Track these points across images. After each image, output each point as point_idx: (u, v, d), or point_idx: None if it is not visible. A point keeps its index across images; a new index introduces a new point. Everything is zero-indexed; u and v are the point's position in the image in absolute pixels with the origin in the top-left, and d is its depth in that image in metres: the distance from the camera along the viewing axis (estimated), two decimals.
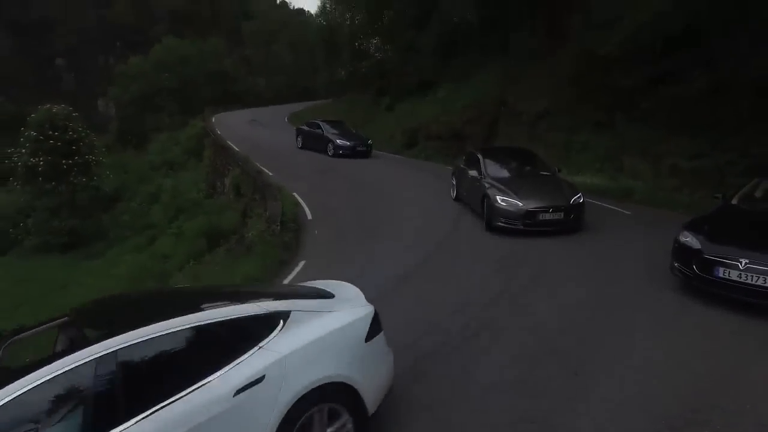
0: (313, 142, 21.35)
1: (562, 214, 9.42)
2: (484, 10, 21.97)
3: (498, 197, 9.76)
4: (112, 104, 53.51)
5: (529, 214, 9.37)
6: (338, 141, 20.28)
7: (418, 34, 24.41)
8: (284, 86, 53.04)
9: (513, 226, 9.49)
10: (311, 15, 60.22)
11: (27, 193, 23.95)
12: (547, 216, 9.38)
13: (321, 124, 21.70)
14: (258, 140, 25.18)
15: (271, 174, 16.86)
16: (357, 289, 4.37)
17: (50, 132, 22.86)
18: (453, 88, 22.26)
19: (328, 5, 32.72)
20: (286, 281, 8.99)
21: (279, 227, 11.22)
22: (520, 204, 9.47)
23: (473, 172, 11.07)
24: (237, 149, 21.57)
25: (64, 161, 22.97)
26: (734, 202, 7.29)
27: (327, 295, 4.08)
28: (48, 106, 24.21)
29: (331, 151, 20.14)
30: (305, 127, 22.42)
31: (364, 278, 8.19)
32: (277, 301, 3.65)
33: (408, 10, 26.49)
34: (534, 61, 18.57)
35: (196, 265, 12.80)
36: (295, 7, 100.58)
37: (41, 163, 22.53)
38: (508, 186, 9.97)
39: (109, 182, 27.20)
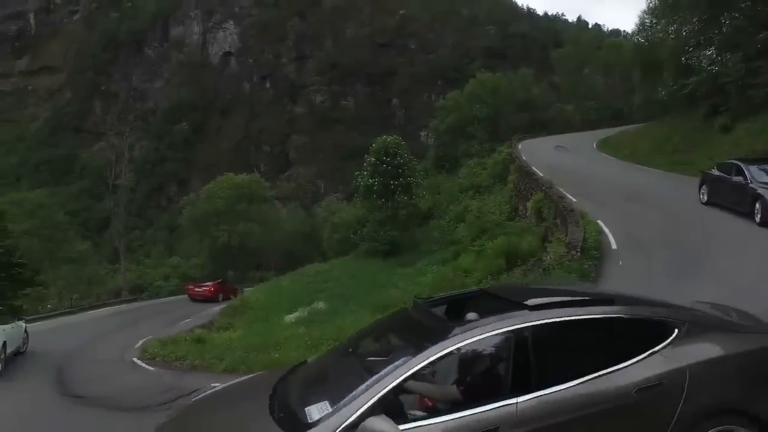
0: (728, 195, 13.46)
1: None
2: None
3: None
4: (431, 134, 60.93)
5: None
6: None
7: None
8: (593, 111, 50.75)
9: None
10: (627, 34, 56.17)
11: (364, 208, 29.53)
12: None
13: (744, 167, 13.21)
14: (562, 166, 24.77)
15: (574, 200, 16.39)
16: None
17: (384, 158, 27.62)
18: None
19: (647, 21, 29.99)
20: None
21: (579, 253, 10.87)
22: None
23: None
24: (541, 174, 21.67)
25: (392, 182, 27.40)
26: None
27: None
28: (384, 136, 29.35)
29: (760, 216, 11.61)
30: (715, 172, 14.47)
31: None
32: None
33: (762, 6, 21.80)
34: None
35: (493, 281, 13.42)
36: (609, 29, 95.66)
37: (376, 183, 27.40)
38: None
39: (424, 201, 31.04)
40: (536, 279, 11.22)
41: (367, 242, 28.38)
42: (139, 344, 15.19)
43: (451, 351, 3.09)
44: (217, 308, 24.86)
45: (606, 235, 12.58)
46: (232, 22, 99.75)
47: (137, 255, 59.38)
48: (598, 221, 13.69)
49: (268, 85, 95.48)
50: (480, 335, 3.12)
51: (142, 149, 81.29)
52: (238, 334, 16.44)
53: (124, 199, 43.83)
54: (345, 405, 2.90)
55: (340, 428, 2.82)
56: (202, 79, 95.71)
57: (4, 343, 11.41)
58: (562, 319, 3.27)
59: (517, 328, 3.14)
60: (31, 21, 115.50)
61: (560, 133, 42.79)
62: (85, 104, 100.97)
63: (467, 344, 3.12)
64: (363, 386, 2.98)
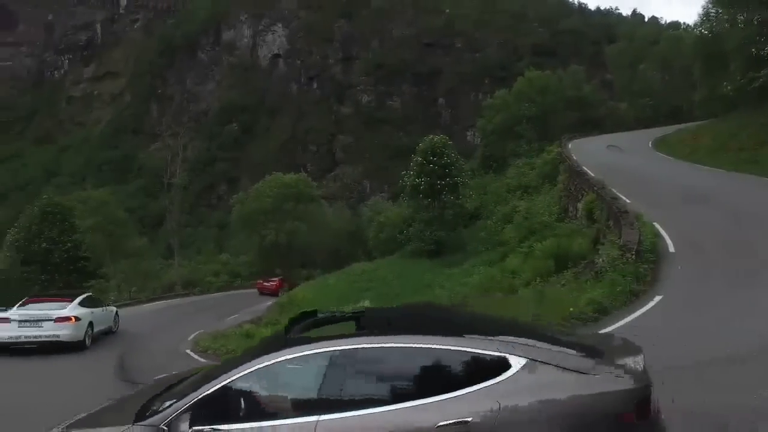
0: None
1: None
2: None
3: None
4: (478, 134, 60.15)
5: None
6: None
7: None
8: (649, 109, 48.73)
9: None
10: (687, 27, 53.72)
11: (411, 207, 29.50)
12: None
13: None
14: (615, 166, 23.98)
15: (628, 201, 15.83)
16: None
17: (431, 157, 27.50)
18: None
19: (712, 11, 28.47)
20: (636, 314, 8.36)
21: (634, 256, 10.49)
22: None
23: None
24: (592, 174, 21.04)
25: (438, 182, 27.24)
26: None
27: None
28: (431, 136, 29.21)
29: None
30: None
31: (726, 331, 6.78)
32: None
33: None
34: None
35: (542, 283, 13.12)
36: (667, 22, 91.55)
37: (422, 183, 27.33)
38: None
39: (471, 202, 30.72)
40: (589, 282, 10.89)
41: (413, 242, 28.35)
42: (191, 337, 15.78)
43: (271, 364, 3.25)
44: (263, 305, 25.47)
45: (663, 238, 12.10)
46: (280, 25, 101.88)
47: (189, 251, 61.64)
48: (655, 223, 13.19)
49: (315, 85, 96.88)
50: (302, 353, 3.26)
51: (194, 149, 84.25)
52: None
53: (178, 198, 45.57)
54: (179, 401, 3.24)
55: (165, 422, 3.15)
56: (252, 81, 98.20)
57: (91, 323, 14.04)
58: (384, 345, 3.28)
59: (337, 350, 3.23)
60: (98, 31, 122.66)
61: (613, 131, 41.38)
62: (142, 107, 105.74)
63: (287, 359, 3.26)
64: (197, 387, 3.32)
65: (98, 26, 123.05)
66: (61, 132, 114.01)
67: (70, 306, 13.74)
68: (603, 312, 8.77)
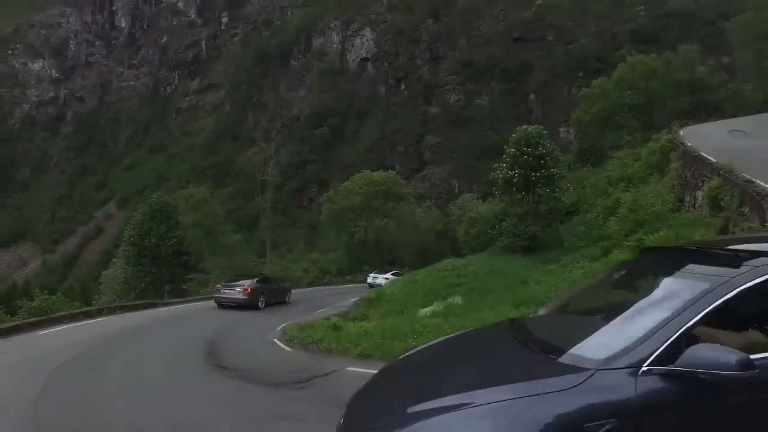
0: None
1: None
2: None
3: None
4: (572, 130, 56.68)
5: None
6: None
7: None
8: None
9: None
10: None
11: (503, 201, 28.01)
12: None
13: None
14: (742, 150, 20.91)
15: (765, 185, 13.51)
16: None
17: (524, 148, 25.86)
18: None
19: None
20: None
21: None
22: None
23: None
24: (714, 160, 18.51)
25: (533, 174, 25.54)
26: None
27: None
28: (525, 126, 27.52)
29: None
30: None
31: None
32: None
33: None
34: None
35: None
36: None
37: (516, 175, 25.76)
38: None
39: (568, 195, 28.60)
40: None
41: (505, 237, 26.82)
42: (279, 327, 15.78)
43: None
44: (351, 300, 25.30)
45: None
46: (368, 29, 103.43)
47: (281, 250, 63.87)
48: None
49: (402, 87, 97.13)
50: None
51: (286, 153, 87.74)
52: (373, 324, 16.27)
53: (270, 197, 47.22)
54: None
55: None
56: (341, 85, 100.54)
57: (387, 279, 32.63)
58: None
59: None
60: (203, 47, 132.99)
61: (735, 116, 36.81)
62: (240, 115, 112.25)
63: None
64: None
65: (203, 43, 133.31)
66: (170, 141, 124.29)
67: (388, 273, 35.47)
68: None
